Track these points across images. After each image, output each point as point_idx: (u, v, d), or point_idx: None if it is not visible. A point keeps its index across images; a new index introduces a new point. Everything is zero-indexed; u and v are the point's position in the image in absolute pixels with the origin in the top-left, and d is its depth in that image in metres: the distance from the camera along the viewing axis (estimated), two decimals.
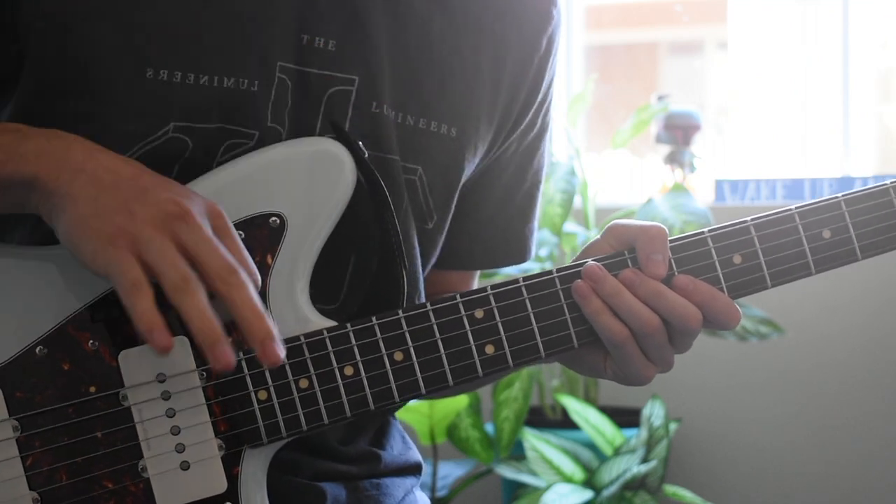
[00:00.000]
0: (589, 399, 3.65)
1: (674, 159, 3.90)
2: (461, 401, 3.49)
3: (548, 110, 1.53)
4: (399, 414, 3.46)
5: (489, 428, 3.57)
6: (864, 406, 3.69)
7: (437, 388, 1.26)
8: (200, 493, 1.23)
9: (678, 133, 3.89)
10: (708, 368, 3.77)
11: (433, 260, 1.45)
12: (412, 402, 3.48)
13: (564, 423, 3.60)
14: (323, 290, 1.33)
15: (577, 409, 3.46)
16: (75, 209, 1.15)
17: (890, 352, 3.66)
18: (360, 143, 1.28)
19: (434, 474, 3.59)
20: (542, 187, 1.56)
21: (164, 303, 1.16)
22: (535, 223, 1.56)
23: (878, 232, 1.33)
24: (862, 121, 3.99)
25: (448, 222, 1.44)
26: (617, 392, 3.72)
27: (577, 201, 3.65)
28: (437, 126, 1.39)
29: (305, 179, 1.26)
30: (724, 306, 1.27)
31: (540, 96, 1.48)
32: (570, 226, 3.61)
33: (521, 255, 1.54)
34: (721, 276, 1.29)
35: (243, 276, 1.13)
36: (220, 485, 1.23)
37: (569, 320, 1.28)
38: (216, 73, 1.27)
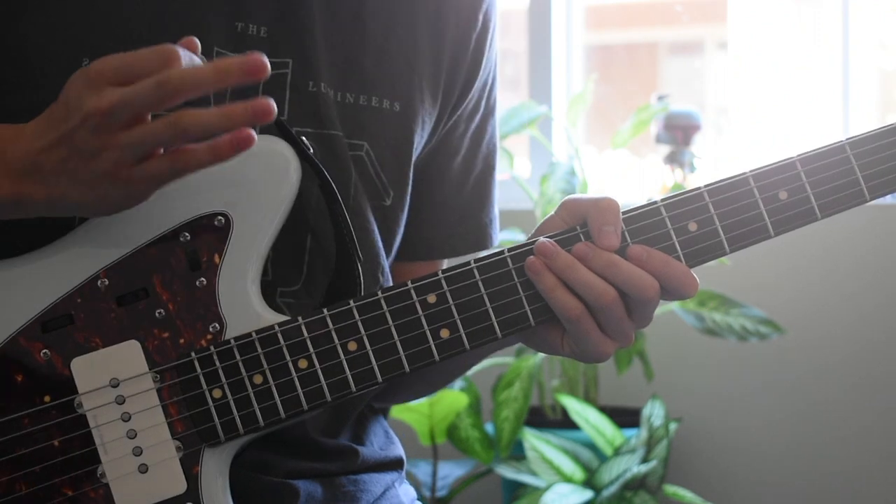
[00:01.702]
0: (589, 399, 3.65)
1: (674, 159, 3.89)
2: (461, 401, 3.49)
3: (491, 93, 1.53)
4: (399, 414, 3.49)
5: (489, 428, 3.57)
6: (865, 406, 3.68)
7: (393, 376, 1.26)
8: (160, 495, 1.24)
9: (678, 133, 3.87)
10: (708, 368, 3.76)
11: (397, 238, 1.45)
12: (412, 402, 3.49)
13: (564, 423, 3.60)
14: (283, 274, 1.34)
15: (577, 409, 3.46)
16: (69, 188, 1.17)
17: (891, 352, 3.65)
18: (304, 138, 1.29)
19: (434, 474, 3.60)
20: (496, 172, 1.56)
21: (111, 308, 1.19)
22: (495, 210, 1.56)
23: (835, 189, 1.31)
24: (862, 121, 3.97)
25: (407, 199, 1.44)
26: (617, 392, 3.72)
27: None
28: (378, 101, 1.40)
29: (250, 178, 1.26)
30: (679, 274, 1.27)
31: (482, 73, 1.49)
32: None
33: (481, 243, 1.54)
34: (677, 244, 1.29)
35: (172, 117, 1.13)
36: (179, 485, 1.24)
37: (524, 299, 1.28)
38: None
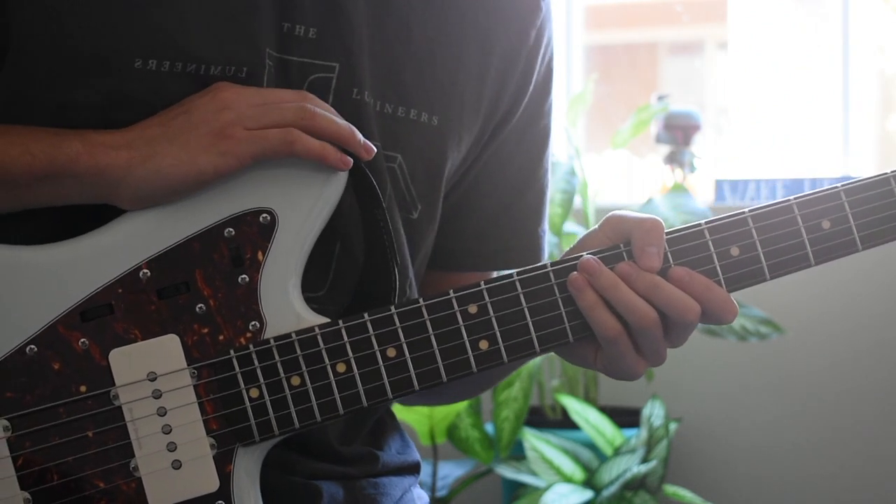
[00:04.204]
0: (589, 399, 3.65)
1: (674, 159, 3.90)
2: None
3: (550, 108, 1.51)
4: (399, 414, 3.47)
5: (489, 428, 3.57)
6: (865, 406, 3.69)
7: (430, 385, 1.26)
8: (192, 492, 1.23)
9: (678, 133, 3.88)
10: (708, 368, 3.77)
11: (423, 252, 1.44)
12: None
13: (564, 423, 3.60)
14: (309, 278, 1.33)
15: (577, 409, 3.46)
16: (159, 147, 1.21)
17: (891, 352, 3.66)
18: None
19: (434, 474, 3.60)
20: (549, 189, 1.55)
21: (151, 300, 1.20)
22: (546, 226, 1.55)
23: (878, 222, 1.30)
24: (862, 120, 3.98)
25: (437, 215, 1.43)
26: (617, 392, 3.72)
27: (577, 201, 3.65)
28: (416, 114, 1.38)
29: (296, 175, 1.25)
30: (720, 300, 1.26)
31: (532, 89, 1.47)
32: (570, 226, 3.61)
33: (536, 257, 1.53)
34: (718, 268, 1.28)
35: (307, 105, 1.24)
36: (212, 483, 1.23)
37: (564, 315, 1.27)
38: (203, 62, 1.27)
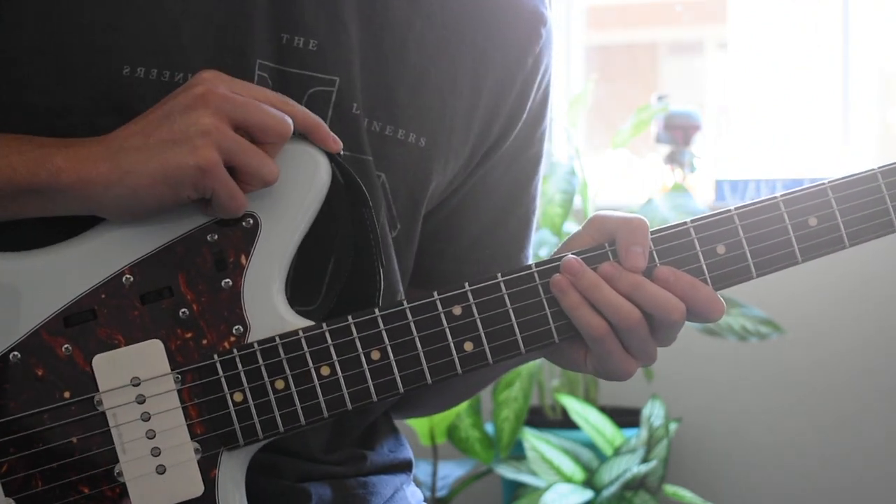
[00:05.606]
0: (589, 399, 3.65)
1: (674, 159, 3.90)
2: None
3: (542, 136, 1.50)
4: None
5: (489, 428, 3.57)
6: (864, 406, 3.69)
7: (414, 387, 1.26)
8: (177, 497, 1.22)
9: (678, 133, 3.88)
10: (708, 368, 3.77)
11: (401, 271, 1.44)
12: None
13: (564, 423, 3.60)
14: (301, 293, 1.33)
15: (577, 409, 3.46)
16: (139, 165, 1.17)
17: (890, 352, 3.65)
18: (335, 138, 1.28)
19: (434, 474, 3.60)
20: (536, 216, 1.54)
21: (134, 305, 1.21)
22: (531, 251, 1.54)
23: (865, 218, 1.30)
24: (862, 121, 3.98)
25: (416, 235, 1.42)
26: (617, 392, 3.72)
27: (577, 201, 3.65)
28: (404, 134, 1.37)
29: (279, 178, 1.24)
30: (706, 298, 1.26)
31: (525, 116, 1.46)
32: (570, 226, 3.61)
33: None
34: (704, 266, 1.27)
35: (284, 119, 1.21)
36: (196, 488, 1.23)
37: (549, 315, 1.27)
38: (191, 72, 1.26)
